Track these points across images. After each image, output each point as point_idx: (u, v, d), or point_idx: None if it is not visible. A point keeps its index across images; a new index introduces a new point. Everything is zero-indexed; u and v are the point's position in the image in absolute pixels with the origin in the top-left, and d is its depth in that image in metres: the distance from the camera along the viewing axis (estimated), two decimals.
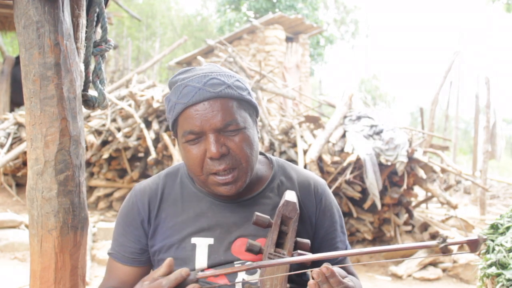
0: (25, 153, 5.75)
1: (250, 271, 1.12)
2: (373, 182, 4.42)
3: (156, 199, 1.20)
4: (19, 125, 6.44)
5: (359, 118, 5.24)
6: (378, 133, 4.98)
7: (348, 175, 4.50)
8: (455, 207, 4.94)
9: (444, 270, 4.57)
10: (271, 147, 5.25)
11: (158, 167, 5.77)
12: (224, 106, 1.07)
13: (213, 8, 22.91)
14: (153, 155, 5.25)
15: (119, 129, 5.86)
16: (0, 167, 5.81)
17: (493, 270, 1.75)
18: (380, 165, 4.66)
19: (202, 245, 1.14)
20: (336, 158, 4.68)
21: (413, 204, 5.68)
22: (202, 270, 1.12)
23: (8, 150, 6.01)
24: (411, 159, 4.78)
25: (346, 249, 1.24)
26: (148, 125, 5.82)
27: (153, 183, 1.23)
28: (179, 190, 1.21)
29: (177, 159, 5.06)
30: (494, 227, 1.96)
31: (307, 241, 1.09)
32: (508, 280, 1.67)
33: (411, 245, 0.98)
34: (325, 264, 0.96)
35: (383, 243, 4.97)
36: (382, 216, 4.98)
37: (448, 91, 9.59)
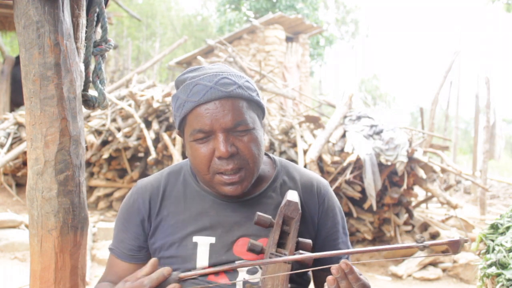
0: (25, 153, 5.75)
1: (251, 271, 1.12)
2: (371, 182, 4.42)
3: (158, 197, 1.20)
4: (19, 125, 6.44)
5: (359, 118, 5.24)
6: (378, 133, 4.98)
7: (348, 175, 4.50)
8: (455, 207, 4.95)
9: (444, 270, 4.57)
10: (271, 147, 5.26)
11: (158, 167, 5.77)
12: (235, 106, 1.07)
13: (213, 8, 22.91)
14: (153, 155, 5.25)
15: (119, 129, 5.85)
16: (0, 167, 5.81)
17: (493, 270, 1.75)
18: (380, 165, 4.66)
19: (203, 244, 1.14)
20: (336, 158, 4.68)
21: (413, 204, 5.68)
22: (190, 270, 1.12)
23: (8, 150, 6.01)
24: (411, 159, 4.78)
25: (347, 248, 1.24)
26: (148, 125, 5.82)
27: (155, 181, 1.23)
28: (182, 188, 1.21)
29: (177, 159, 5.06)
30: (494, 227, 1.96)
31: (309, 241, 1.09)
32: (508, 280, 1.67)
33: (391, 246, 0.98)
34: (344, 260, 0.96)
35: (383, 243, 4.97)
36: (382, 216, 4.98)
37: (448, 91, 9.59)
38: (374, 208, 4.53)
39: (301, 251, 1.04)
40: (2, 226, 4.66)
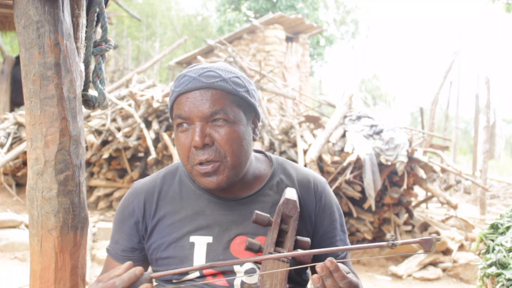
0: (25, 153, 5.75)
1: (249, 272, 1.12)
2: (370, 182, 4.42)
3: (153, 198, 1.20)
4: (19, 125, 6.44)
5: (359, 118, 5.24)
6: (378, 133, 4.98)
7: (348, 175, 4.50)
8: (455, 207, 4.95)
9: (444, 270, 4.57)
10: (271, 147, 5.25)
11: (158, 167, 5.77)
12: (215, 97, 1.09)
13: (213, 8, 22.90)
14: (153, 155, 5.25)
15: (119, 129, 5.86)
16: (0, 167, 5.81)
17: (493, 270, 1.75)
18: (380, 165, 4.66)
19: (200, 243, 1.14)
20: (336, 158, 4.68)
21: (413, 204, 5.68)
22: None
23: (8, 150, 6.01)
24: (411, 159, 4.79)
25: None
26: (148, 125, 5.82)
27: (151, 182, 1.23)
28: (178, 188, 1.21)
29: (177, 159, 5.06)
30: (494, 227, 1.96)
31: (307, 239, 1.09)
32: (508, 280, 1.67)
33: (363, 245, 0.98)
34: (329, 258, 0.95)
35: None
36: (382, 216, 4.98)
37: (448, 91, 9.59)
38: (373, 208, 4.54)
39: (299, 250, 1.04)
40: (2, 226, 4.66)
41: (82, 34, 1.16)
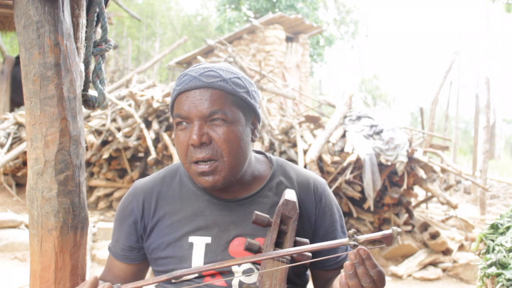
0: (25, 153, 5.75)
1: (247, 272, 1.12)
2: (369, 182, 4.42)
3: (152, 198, 1.20)
4: (19, 125, 6.44)
5: (359, 118, 5.24)
6: (378, 133, 4.98)
7: (348, 175, 4.50)
8: (455, 207, 4.95)
9: (444, 270, 4.57)
10: (271, 147, 5.25)
11: (158, 167, 5.77)
12: (214, 96, 1.09)
13: (213, 8, 22.91)
14: (153, 155, 5.25)
15: (119, 129, 5.86)
16: (0, 167, 5.81)
17: (493, 270, 1.75)
18: (380, 165, 4.66)
19: (199, 244, 1.14)
20: (336, 158, 4.68)
21: (413, 204, 5.68)
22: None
23: (8, 150, 6.01)
24: (411, 159, 4.78)
25: (346, 250, 1.23)
26: (148, 125, 5.82)
27: (150, 182, 1.24)
28: (178, 188, 1.21)
29: (177, 159, 5.06)
30: (494, 227, 1.96)
31: (307, 240, 1.09)
32: (508, 280, 1.67)
33: (321, 244, 0.98)
34: (362, 247, 0.96)
35: (383, 243, 4.96)
36: (382, 216, 4.98)
37: (448, 91, 9.59)
38: (372, 208, 4.54)
39: None
40: (2, 226, 4.66)
41: (82, 34, 1.16)
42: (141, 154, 6.09)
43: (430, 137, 5.80)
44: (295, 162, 4.79)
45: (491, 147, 8.18)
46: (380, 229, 5.07)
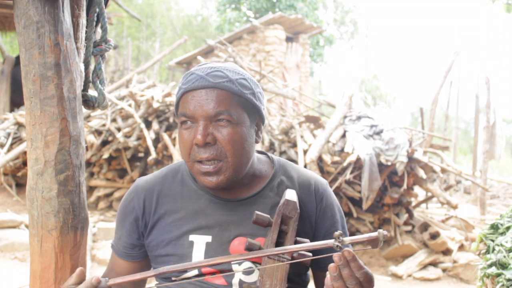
0: (25, 153, 5.75)
1: (247, 271, 1.12)
2: (366, 182, 4.42)
3: (153, 196, 1.21)
4: (19, 125, 6.44)
5: (359, 118, 5.24)
6: (378, 133, 4.98)
7: (348, 175, 4.50)
8: (455, 207, 4.94)
9: (444, 270, 4.57)
10: (271, 147, 5.25)
11: (158, 167, 5.77)
12: (220, 97, 1.10)
13: (213, 8, 22.91)
14: (153, 155, 5.25)
15: (119, 129, 5.86)
16: (0, 167, 5.81)
17: (493, 270, 1.75)
18: (380, 165, 4.66)
19: (199, 242, 1.14)
20: (336, 158, 4.68)
21: (413, 204, 5.68)
22: None
23: (8, 150, 6.01)
24: (411, 159, 4.78)
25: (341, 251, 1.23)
26: (148, 125, 5.82)
27: (152, 180, 1.24)
28: (179, 187, 1.21)
29: (177, 159, 5.06)
30: (494, 227, 1.96)
31: (307, 240, 1.09)
32: (508, 280, 1.67)
33: (308, 244, 0.98)
34: (347, 248, 0.96)
35: (382, 243, 4.97)
36: (382, 216, 4.98)
37: (448, 91, 9.59)
38: (364, 208, 4.53)
39: (300, 251, 1.03)
40: (2, 226, 4.66)
41: (82, 34, 1.16)
42: (141, 154, 6.09)
43: (430, 137, 5.80)
44: (295, 162, 4.79)
45: (492, 147, 8.18)
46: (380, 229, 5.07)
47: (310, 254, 1.03)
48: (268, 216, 1.08)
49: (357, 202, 4.98)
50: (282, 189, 1.20)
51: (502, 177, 13.25)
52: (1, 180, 6.25)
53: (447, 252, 4.77)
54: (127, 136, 5.79)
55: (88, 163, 6.02)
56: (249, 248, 1.04)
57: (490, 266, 1.79)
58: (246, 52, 11.49)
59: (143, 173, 5.97)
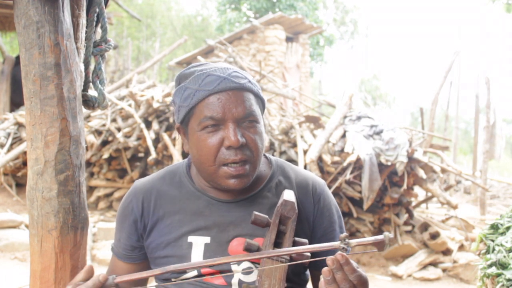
0: (25, 153, 5.75)
1: (247, 271, 1.12)
2: (366, 183, 4.42)
3: (151, 198, 1.20)
4: (19, 125, 6.45)
5: (359, 118, 5.24)
6: (378, 133, 4.98)
7: (348, 175, 4.50)
8: (455, 207, 4.95)
9: (444, 270, 4.57)
10: (271, 147, 5.26)
11: (158, 167, 5.77)
12: (246, 98, 1.10)
13: (213, 8, 22.92)
14: (153, 155, 5.25)
15: (119, 129, 5.86)
16: (0, 167, 5.81)
17: (493, 270, 1.75)
18: (380, 165, 4.66)
19: (198, 243, 1.14)
20: (336, 158, 4.68)
21: (413, 204, 5.68)
22: None
23: (8, 150, 6.01)
24: (411, 159, 4.78)
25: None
26: (148, 125, 5.82)
27: (150, 182, 1.24)
28: (178, 189, 1.21)
29: (177, 159, 5.06)
30: (494, 227, 1.96)
31: (305, 241, 1.09)
32: (508, 280, 1.67)
33: (313, 246, 0.98)
34: (340, 252, 0.95)
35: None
36: (382, 216, 4.98)
37: (448, 91, 9.59)
38: (365, 208, 4.53)
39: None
40: (2, 226, 4.66)
41: (82, 34, 1.16)
42: (141, 154, 6.09)
43: (430, 137, 5.80)
44: (295, 162, 4.79)
45: (492, 147, 8.18)
46: (380, 229, 5.07)
47: (309, 254, 1.03)
48: (267, 216, 1.08)
49: (357, 202, 4.98)
50: (280, 189, 1.20)
51: (502, 177, 13.26)
52: (1, 180, 6.25)
53: (447, 252, 4.78)
54: (127, 136, 5.79)
55: (88, 163, 6.02)
56: (248, 249, 1.04)
57: (490, 266, 1.79)
58: (246, 52, 11.49)
59: (143, 173, 5.97)
